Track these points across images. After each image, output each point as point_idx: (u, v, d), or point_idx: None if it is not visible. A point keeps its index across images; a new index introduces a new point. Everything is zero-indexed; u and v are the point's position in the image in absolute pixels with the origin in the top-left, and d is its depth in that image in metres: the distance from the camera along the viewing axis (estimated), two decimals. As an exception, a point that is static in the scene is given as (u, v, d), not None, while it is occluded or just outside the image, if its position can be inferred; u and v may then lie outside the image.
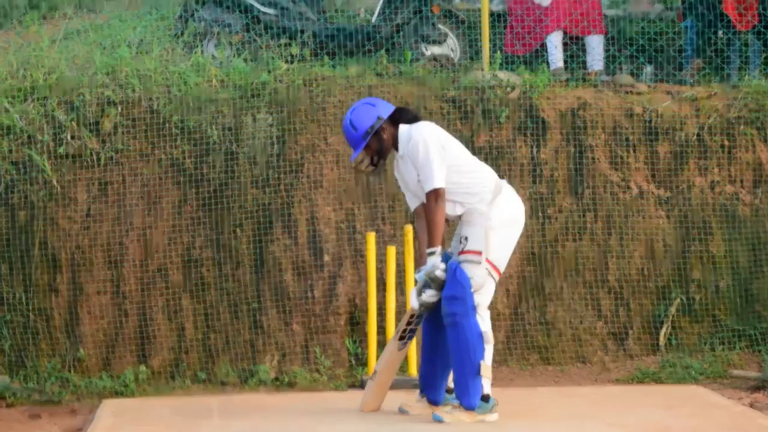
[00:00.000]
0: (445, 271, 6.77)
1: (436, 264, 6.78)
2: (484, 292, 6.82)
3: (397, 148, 6.95)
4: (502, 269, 6.90)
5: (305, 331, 8.61)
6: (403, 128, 6.94)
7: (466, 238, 6.82)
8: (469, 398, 6.79)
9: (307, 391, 8.23)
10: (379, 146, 6.94)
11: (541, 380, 8.49)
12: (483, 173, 6.92)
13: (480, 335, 6.77)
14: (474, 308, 6.77)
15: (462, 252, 6.81)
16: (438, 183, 6.77)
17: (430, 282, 6.81)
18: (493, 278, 6.85)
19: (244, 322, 8.59)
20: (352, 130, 6.93)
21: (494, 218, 6.83)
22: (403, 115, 7.00)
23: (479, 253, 6.77)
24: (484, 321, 6.82)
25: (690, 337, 8.85)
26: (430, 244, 6.80)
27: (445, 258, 6.85)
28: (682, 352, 8.72)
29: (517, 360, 8.74)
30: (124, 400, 7.96)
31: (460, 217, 6.88)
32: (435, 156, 6.79)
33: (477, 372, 6.76)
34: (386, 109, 6.97)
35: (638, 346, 8.84)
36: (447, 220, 6.91)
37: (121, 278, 8.59)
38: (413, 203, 7.03)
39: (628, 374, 8.56)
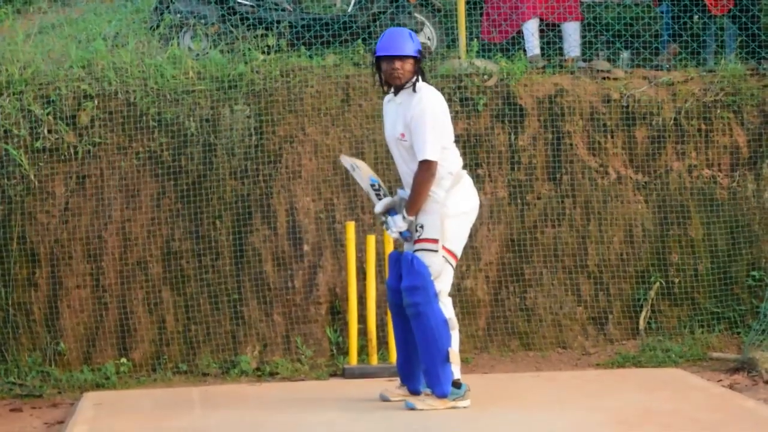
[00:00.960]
0: (400, 233, 6.84)
1: (398, 223, 6.80)
2: (443, 279, 6.82)
3: (396, 91, 6.90)
4: (459, 255, 6.89)
5: (286, 321, 8.60)
6: (421, 83, 6.86)
7: (421, 226, 6.81)
8: (441, 386, 6.81)
9: (289, 380, 8.24)
10: (413, 70, 6.82)
11: (521, 366, 8.50)
12: (453, 159, 6.90)
13: (445, 322, 6.78)
14: (436, 296, 6.77)
15: (418, 240, 6.81)
16: (435, 156, 6.72)
17: (383, 214, 6.90)
18: (451, 265, 6.84)
19: (224, 313, 8.58)
20: (409, 40, 6.81)
21: (450, 206, 6.81)
22: (423, 69, 6.96)
23: (435, 241, 6.77)
24: (446, 308, 6.83)
25: (669, 321, 8.87)
26: (408, 211, 6.79)
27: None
28: (661, 336, 8.75)
29: (497, 346, 8.75)
30: (105, 393, 7.94)
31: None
32: (439, 128, 6.75)
33: (446, 359, 6.77)
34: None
35: (618, 330, 8.86)
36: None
37: (100, 272, 8.56)
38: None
39: (609, 358, 8.58)
